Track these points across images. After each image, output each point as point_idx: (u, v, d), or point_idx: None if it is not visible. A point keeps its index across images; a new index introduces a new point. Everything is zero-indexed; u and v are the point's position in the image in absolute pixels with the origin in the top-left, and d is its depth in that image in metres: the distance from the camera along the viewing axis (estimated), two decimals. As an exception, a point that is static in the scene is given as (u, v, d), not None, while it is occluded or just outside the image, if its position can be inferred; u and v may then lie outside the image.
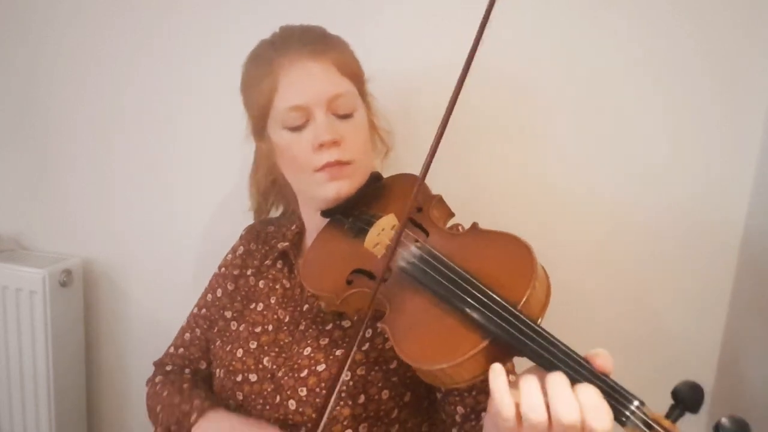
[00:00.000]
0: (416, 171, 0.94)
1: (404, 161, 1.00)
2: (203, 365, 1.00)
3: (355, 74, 0.86)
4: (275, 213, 1.08)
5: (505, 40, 1.07)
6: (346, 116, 0.83)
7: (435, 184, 0.85)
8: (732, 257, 1.04)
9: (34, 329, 1.35)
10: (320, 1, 1.12)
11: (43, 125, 1.40)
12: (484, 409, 0.75)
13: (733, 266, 1.05)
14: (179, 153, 1.31)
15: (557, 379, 0.52)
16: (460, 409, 0.77)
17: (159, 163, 1.33)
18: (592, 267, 1.09)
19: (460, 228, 0.86)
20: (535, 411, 0.51)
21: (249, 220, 1.07)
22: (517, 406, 0.53)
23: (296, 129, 0.82)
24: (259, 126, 0.88)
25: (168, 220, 1.34)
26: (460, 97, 1.10)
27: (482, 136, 1.09)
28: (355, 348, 0.68)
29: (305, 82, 0.81)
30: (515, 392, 0.54)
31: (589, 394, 0.51)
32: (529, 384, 0.53)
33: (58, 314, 1.36)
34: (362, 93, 0.89)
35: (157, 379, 0.99)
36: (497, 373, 0.55)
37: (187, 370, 0.98)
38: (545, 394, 0.52)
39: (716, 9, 0.98)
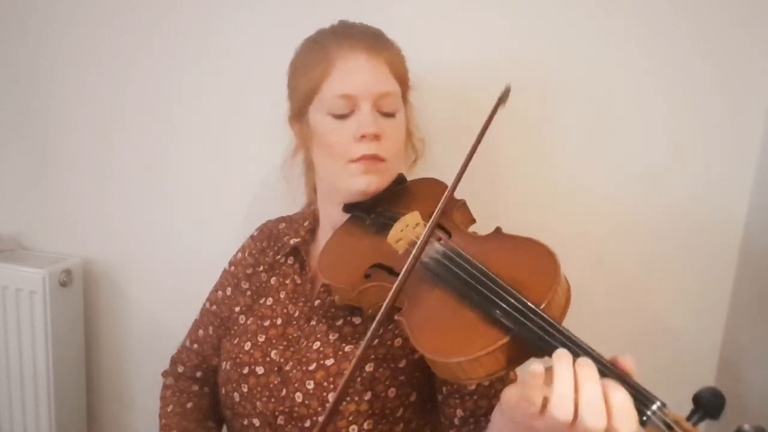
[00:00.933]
0: (414, 171, 0.94)
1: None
2: (215, 361, 1.00)
3: (403, 78, 0.89)
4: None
5: (505, 41, 1.07)
6: (389, 115, 0.85)
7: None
8: (732, 257, 1.04)
9: (34, 329, 1.35)
10: (320, 2, 1.12)
11: (43, 125, 1.40)
12: (484, 414, 0.76)
13: (733, 266, 1.05)
14: (179, 153, 1.31)
15: (589, 376, 0.52)
16: (459, 412, 0.77)
17: (159, 163, 1.33)
18: (592, 267, 1.09)
19: (476, 234, 0.87)
20: (564, 408, 0.51)
21: (249, 219, 1.07)
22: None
23: (341, 117, 0.83)
24: (302, 107, 0.88)
25: (168, 220, 1.34)
26: (460, 97, 1.11)
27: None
28: (368, 341, 0.67)
29: (359, 74, 0.83)
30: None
31: (619, 395, 0.51)
32: (564, 374, 0.52)
33: (58, 314, 1.36)
34: (405, 99, 0.91)
35: (168, 381, 1.02)
36: (562, 372, 0.53)
37: (195, 387, 1.01)
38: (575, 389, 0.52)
39: (716, 9, 0.98)
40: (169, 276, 1.35)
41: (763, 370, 0.96)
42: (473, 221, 0.85)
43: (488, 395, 0.76)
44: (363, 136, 0.82)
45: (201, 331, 1.02)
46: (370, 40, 0.86)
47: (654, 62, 1.02)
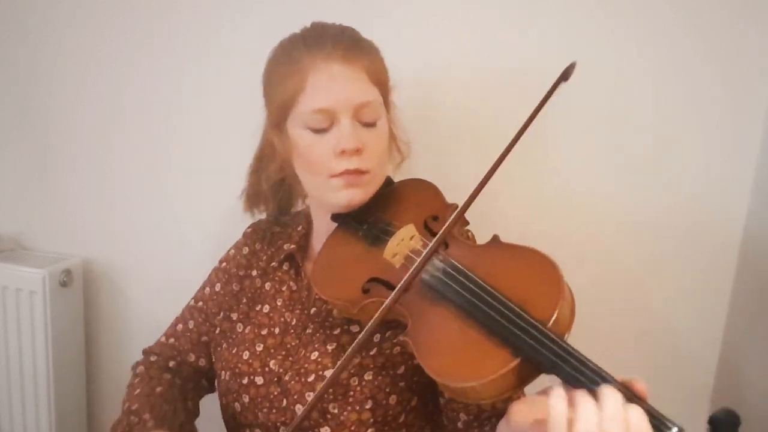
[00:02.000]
0: (413, 172, 0.94)
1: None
2: (191, 357, 0.99)
3: (382, 82, 0.85)
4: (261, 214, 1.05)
5: (505, 42, 1.07)
6: (370, 124, 0.81)
7: (446, 190, 0.85)
8: (732, 257, 1.04)
9: (34, 329, 1.35)
10: (320, 2, 1.12)
11: (43, 125, 1.40)
12: (487, 417, 0.75)
13: (733, 266, 1.05)
14: (179, 153, 1.31)
15: (612, 401, 0.51)
16: (462, 416, 0.77)
17: (159, 163, 1.32)
18: (592, 267, 1.09)
19: (469, 234, 0.86)
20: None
21: (250, 219, 1.07)
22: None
23: (319, 131, 0.80)
24: (279, 120, 0.85)
25: (168, 220, 1.34)
26: (460, 97, 1.11)
27: (482, 138, 1.09)
28: (353, 353, 0.67)
29: (335, 87, 0.79)
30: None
31: (638, 417, 0.51)
32: (587, 405, 0.52)
33: (58, 314, 1.36)
34: (386, 101, 0.87)
35: (138, 369, 0.97)
36: (557, 402, 0.53)
37: (167, 375, 0.96)
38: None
39: (716, 9, 0.98)
40: (169, 276, 1.35)
41: (763, 370, 0.96)
42: (466, 223, 0.84)
43: None
44: (343, 152, 0.78)
45: (180, 326, 1.00)
46: (345, 46, 0.81)
47: (654, 62, 1.01)
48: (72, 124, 1.37)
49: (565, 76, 0.74)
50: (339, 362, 0.69)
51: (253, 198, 0.99)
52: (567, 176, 1.08)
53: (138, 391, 0.92)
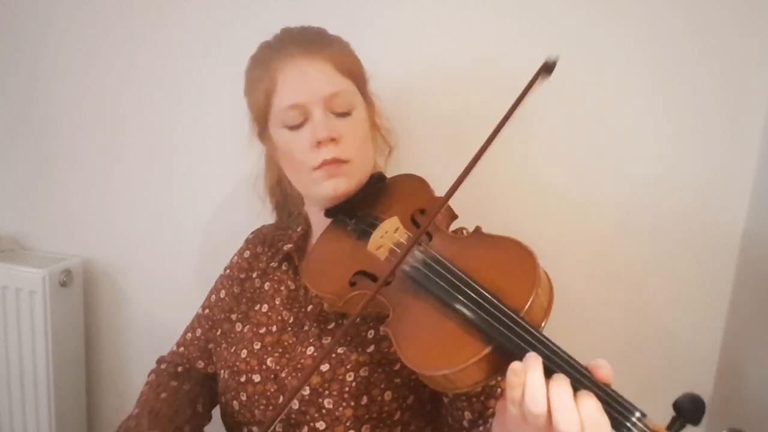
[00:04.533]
0: (411, 170, 0.94)
1: (401, 161, 1.00)
2: (200, 364, 1.01)
3: (353, 73, 0.86)
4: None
5: (506, 42, 1.07)
6: (344, 114, 0.83)
7: (437, 185, 0.85)
8: (732, 258, 1.04)
9: (34, 329, 1.35)
10: (320, 3, 1.12)
11: (43, 125, 1.40)
12: (492, 414, 0.75)
13: (733, 267, 1.05)
14: (179, 153, 1.31)
15: (561, 386, 0.52)
16: (467, 415, 0.77)
17: (159, 162, 1.33)
18: (591, 268, 1.09)
19: (464, 231, 0.86)
20: (536, 405, 0.52)
21: (250, 219, 1.07)
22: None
23: (295, 128, 0.83)
24: (262, 127, 0.89)
25: (168, 221, 1.34)
26: (462, 98, 1.11)
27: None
28: (335, 341, 0.69)
29: (301, 81, 0.82)
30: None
31: (590, 406, 0.51)
32: (535, 382, 0.53)
33: (58, 314, 1.36)
34: (363, 91, 0.89)
35: (149, 378, 1.00)
36: (534, 368, 0.54)
37: (173, 383, 0.97)
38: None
39: (716, 9, 0.98)
40: (169, 276, 1.35)
41: (763, 371, 0.96)
42: (455, 217, 0.84)
43: (495, 395, 0.76)
44: (319, 142, 0.81)
45: (189, 335, 1.03)
46: (305, 42, 0.84)
47: (653, 63, 1.01)
48: (72, 125, 1.38)
49: (547, 69, 0.73)
50: (323, 350, 0.70)
51: (269, 204, 1.05)
52: (567, 178, 1.08)
53: (144, 398, 0.95)
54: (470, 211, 0.85)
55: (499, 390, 0.76)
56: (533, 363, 0.54)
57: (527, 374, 0.53)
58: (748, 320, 1.02)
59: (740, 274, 1.04)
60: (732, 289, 1.05)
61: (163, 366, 1.02)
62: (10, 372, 1.39)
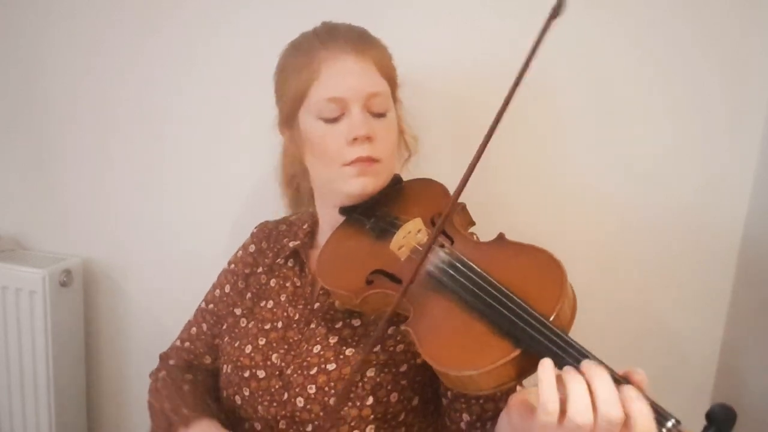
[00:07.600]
0: (412, 171, 0.94)
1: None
2: (208, 360, 1.00)
3: (391, 77, 0.88)
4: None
5: (506, 43, 1.07)
6: (380, 115, 0.84)
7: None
8: (732, 257, 1.04)
9: (34, 329, 1.35)
10: (320, 4, 1.12)
11: (43, 125, 1.40)
12: (490, 418, 0.75)
13: (733, 266, 1.05)
14: (179, 153, 1.31)
15: (603, 378, 0.52)
16: (465, 417, 0.77)
17: (159, 163, 1.32)
18: (592, 267, 1.09)
19: (475, 237, 0.86)
20: (582, 414, 0.51)
21: (249, 220, 1.07)
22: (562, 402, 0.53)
23: (331, 121, 0.83)
24: (291, 113, 0.88)
25: (168, 221, 1.34)
26: (465, 98, 1.11)
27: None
28: (372, 348, 0.68)
29: (347, 76, 0.82)
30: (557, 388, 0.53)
31: (638, 405, 0.51)
32: (577, 383, 0.52)
33: (58, 314, 1.36)
34: (394, 96, 0.90)
35: (160, 374, 0.99)
36: (546, 366, 0.54)
37: (188, 375, 0.97)
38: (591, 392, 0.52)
39: (717, 9, 0.98)
40: (170, 276, 1.35)
41: (763, 370, 0.96)
42: (473, 223, 0.85)
43: (495, 398, 0.76)
44: (355, 139, 0.81)
45: (194, 329, 1.02)
46: (356, 40, 0.85)
47: (655, 63, 1.01)
48: (72, 124, 1.37)
49: (556, 12, 0.72)
50: (360, 356, 0.70)
51: (284, 196, 1.05)
52: (567, 176, 1.09)
53: (166, 392, 0.93)
54: (472, 211, 0.85)
55: (498, 393, 0.75)
56: (574, 375, 0.53)
57: (569, 386, 0.52)
58: (748, 320, 1.02)
59: (740, 274, 1.04)
60: (732, 289, 1.05)
61: (171, 362, 1.01)
62: (10, 372, 1.39)
